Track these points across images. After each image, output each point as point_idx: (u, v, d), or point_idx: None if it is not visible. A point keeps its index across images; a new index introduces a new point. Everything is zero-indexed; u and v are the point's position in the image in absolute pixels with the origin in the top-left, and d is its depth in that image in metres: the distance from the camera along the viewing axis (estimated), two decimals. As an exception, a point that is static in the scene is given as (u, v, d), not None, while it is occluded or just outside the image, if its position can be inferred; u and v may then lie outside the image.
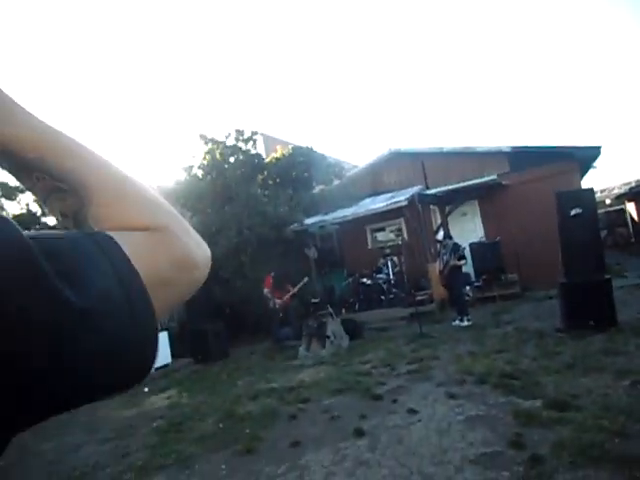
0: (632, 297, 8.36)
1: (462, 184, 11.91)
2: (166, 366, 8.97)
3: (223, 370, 8.24)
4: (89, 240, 0.39)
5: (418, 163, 12.92)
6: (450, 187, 12.10)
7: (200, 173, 13.01)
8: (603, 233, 22.42)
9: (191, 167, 13.13)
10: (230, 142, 13.09)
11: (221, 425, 4.98)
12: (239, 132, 13.15)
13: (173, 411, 6.05)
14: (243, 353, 9.70)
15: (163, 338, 9.17)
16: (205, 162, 12.92)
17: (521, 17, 79.92)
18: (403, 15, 77.07)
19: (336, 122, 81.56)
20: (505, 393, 4.39)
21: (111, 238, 0.40)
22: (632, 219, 22.40)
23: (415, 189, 11.29)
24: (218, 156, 12.73)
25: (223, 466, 3.89)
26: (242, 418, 5.06)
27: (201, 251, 0.51)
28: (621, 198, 23.26)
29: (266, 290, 9.76)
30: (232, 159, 12.99)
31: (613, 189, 26.56)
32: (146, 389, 7.66)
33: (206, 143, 12.91)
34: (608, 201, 25.35)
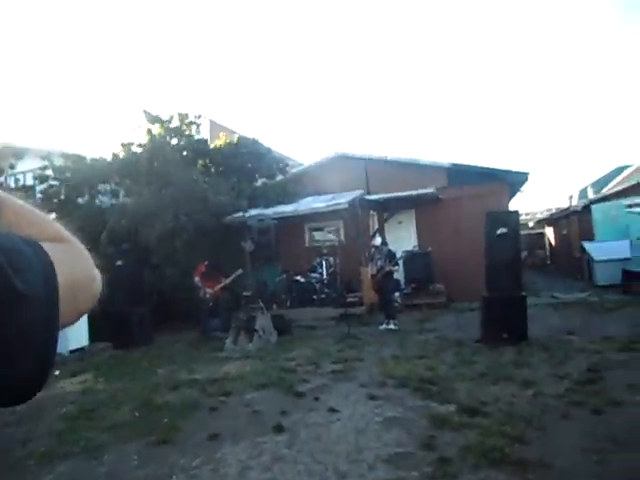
0: (543, 314, 9.04)
1: (402, 193, 12.29)
2: (82, 349, 8.49)
3: (145, 357, 7.95)
4: (27, 244, 0.46)
5: (362, 168, 13.17)
6: (390, 195, 12.44)
7: (139, 151, 12.45)
8: (524, 254, 24.02)
9: (130, 144, 12.53)
10: (174, 124, 12.64)
11: (137, 414, 4.81)
12: (183, 115, 12.72)
13: (85, 397, 5.75)
14: (168, 341, 9.41)
15: (82, 319, 8.65)
16: (145, 141, 12.37)
17: (463, 42, 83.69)
18: (359, 24, 78.13)
19: (286, 118, 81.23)
20: (423, 397, 4.59)
21: (41, 246, 0.47)
22: (550, 243, 24.18)
23: (356, 193, 11.50)
24: (159, 136, 12.24)
25: (135, 456, 3.76)
26: (160, 408, 4.91)
27: (96, 269, 0.58)
28: (542, 222, 25.05)
29: (197, 279, 9.52)
30: (174, 141, 12.55)
31: (536, 214, 28.56)
32: (57, 372, 7.21)
33: (149, 121, 12.37)
34: (531, 224, 27.23)
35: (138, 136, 12.53)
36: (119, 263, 9.29)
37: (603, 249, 12.98)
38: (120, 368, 7.27)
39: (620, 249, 12.51)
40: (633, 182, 17.15)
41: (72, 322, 0.54)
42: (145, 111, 12.41)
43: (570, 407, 4.03)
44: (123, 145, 12.43)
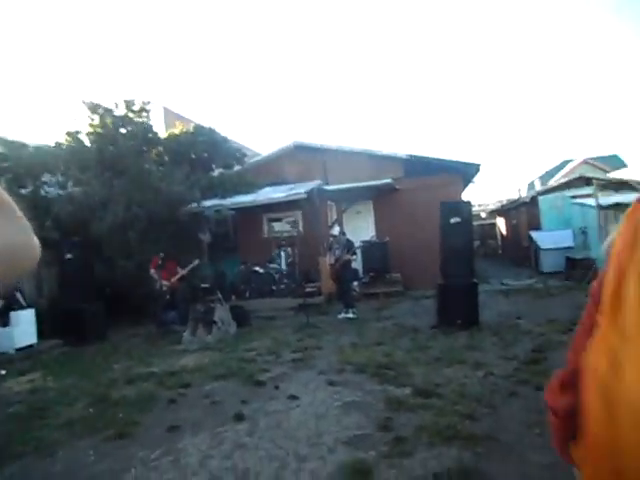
0: (493, 301, 9.46)
1: (360, 184, 12.44)
2: (31, 347, 8.12)
3: (99, 353, 7.71)
4: None
5: (320, 159, 13.22)
6: (348, 185, 12.57)
7: (87, 140, 11.93)
8: (477, 243, 24.93)
9: (77, 132, 11.97)
10: (120, 112, 12.13)
11: (92, 410, 4.69)
12: (129, 102, 12.20)
13: (35, 396, 5.53)
14: (124, 336, 9.16)
15: (29, 316, 8.29)
16: (92, 130, 11.86)
17: (424, 37, 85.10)
18: (318, 14, 77.79)
19: (244, 108, 79.99)
20: (380, 382, 4.72)
21: None
22: (501, 233, 25.17)
23: (315, 183, 11.54)
24: (109, 125, 11.75)
25: (91, 452, 3.68)
26: (116, 402, 4.80)
27: (34, 236, 0.59)
28: (493, 213, 26.01)
29: (152, 270, 9.30)
30: (123, 130, 12.09)
31: (488, 205, 29.61)
32: (3, 372, 6.89)
33: (93, 110, 11.82)
34: (483, 215, 28.22)
35: (86, 124, 12.01)
36: (69, 257, 8.93)
37: (548, 238, 13.69)
38: (72, 365, 7.03)
39: (564, 238, 13.23)
40: (576, 175, 18.15)
41: (7, 282, 0.55)
42: (85, 101, 11.81)
43: (517, 385, 4.28)
44: (69, 134, 11.87)
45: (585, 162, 26.78)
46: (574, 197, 13.75)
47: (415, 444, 3.20)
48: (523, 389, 4.18)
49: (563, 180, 18.38)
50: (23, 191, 11.22)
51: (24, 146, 11.63)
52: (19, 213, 0.56)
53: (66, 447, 3.85)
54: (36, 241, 0.57)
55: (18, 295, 8.60)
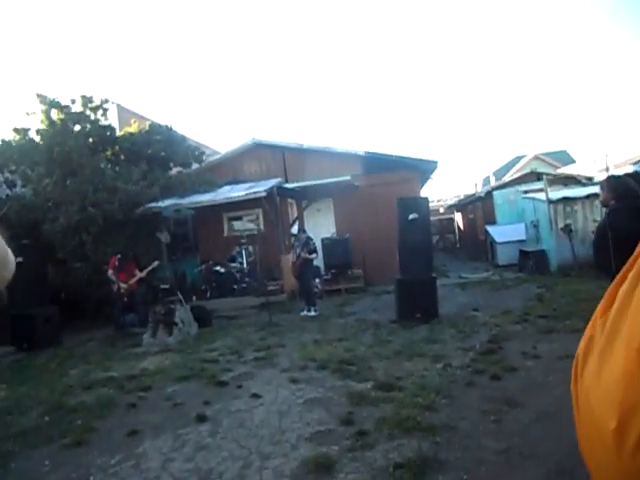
0: (451, 294, 9.74)
1: (319, 181, 12.50)
2: (-22, 355, 7.74)
3: (53, 359, 7.42)
4: None
5: (279, 156, 13.21)
6: (308, 183, 12.61)
7: (37, 138, 11.43)
8: (435, 238, 25.54)
9: (26, 130, 11.46)
10: (77, 109, 11.72)
11: (47, 418, 4.52)
12: (86, 98, 11.78)
13: (-15, 406, 5.29)
14: (80, 341, 8.85)
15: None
16: (44, 127, 11.38)
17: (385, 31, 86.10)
18: (270, 6, 77.25)
19: (201, 106, 78.50)
20: (342, 377, 4.79)
21: None
22: (459, 227, 25.89)
23: (274, 181, 11.51)
24: (58, 121, 11.29)
25: (47, 462, 3.55)
26: (73, 409, 4.65)
27: (7, 252, 0.58)
28: (451, 208, 26.70)
29: (110, 272, 9.03)
30: (77, 127, 11.66)
31: (446, 200, 30.38)
32: (-52, 382, 6.54)
33: (46, 105, 11.35)
34: (441, 210, 28.93)
35: (34, 121, 11.51)
36: (19, 260, 8.41)
37: (503, 232, 14.20)
38: (25, 372, 6.74)
39: (517, 232, 13.75)
40: (528, 170, 18.89)
41: None
42: (39, 94, 11.30)
43: (473, 375, 4.44)
44: (17, 130, 11.35)
45: (536, 157, 27.91)
46: (526, 192, 14.30)
47: (377, 437, 3.27)
48: (479, 379, 4.34)
49: (516, 175, 19.09)
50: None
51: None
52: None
53: (19, 458, 3.70)
54: (10, 253, 0.57)
55: (-36, 301, 8.16)
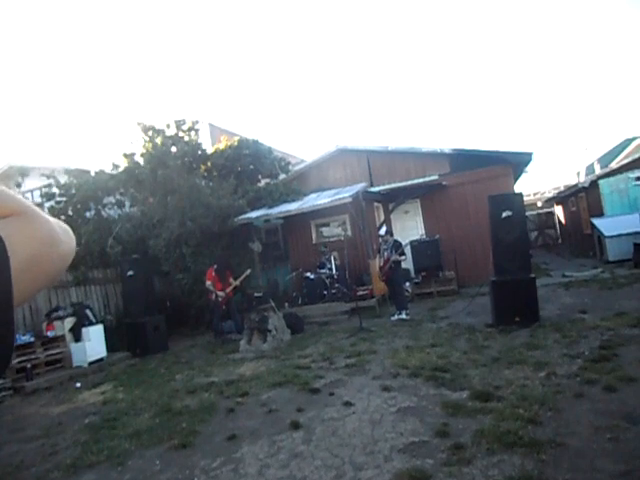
0: (554, 295, 9.01)
1: (405, 183, 12.27)
2: (101, 360, 8.64)
3: (161, 364, 8.07)
4: None
5: (364, 161, 13.17)
6: (394, 185, 12.44)
7: (142, 161, 12.57)
8: (534, 234, 23.87)
9: (132, 154, 12.65)
10: (171, 132, 12.70)
11: (157, 420, 4.90)
12: (179, 122, 12.76)
13: (107, 407, 5.87)
14: (183, 347, 9.53)
15: (98, 331, 8.83)
16: (145, 151, 12.48)
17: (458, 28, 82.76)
18: (357, 16, 77.63)
19: (286, 116, 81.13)
20: (436, 385, 4.62)
21: None
22: (560, 221, 23.96)
23: (360, 186, 11.50)
24: (159, 145, 12.32)
25: (157, 461, 3.85)
26: (179, 412, 5.00)
27: (62, 229, 0.56)
28: (551, 201, 24.80)
29: (208, 282, 9.62)
30: (174, 149, 12.63)
31: (544, 193, 28.28)
32: (78, 384, 7.37)
33: (146, 132, 12.45)
34: (539, 204, 26.97)
35: (139, 146, 12.66)
36: (130, 274, 9.43)
37: (613, 224, 12.87)
38: (138, 376, 7.39)
39: (630, 223, 12.38)
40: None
41: (38, 290, 0.53)
42: (139, 122, 12.47)
43: (583, 386, 4.04)
44: (125, 156, 12.55)
45: (650, 139, 24.96)
46: (638, 178, 12.85)
47: (474, 451, 3.10)
48: (590, 390, 3.94)
49: (626, 161, 17.21)
50: (88, 214, 12.00)
51: (85, 172, 12.45)
52: (44, 218, 0.52)
53: (135, 456, 4.05)
54: (64, 238, 0.54)
55: (88, 312, 9.19)
